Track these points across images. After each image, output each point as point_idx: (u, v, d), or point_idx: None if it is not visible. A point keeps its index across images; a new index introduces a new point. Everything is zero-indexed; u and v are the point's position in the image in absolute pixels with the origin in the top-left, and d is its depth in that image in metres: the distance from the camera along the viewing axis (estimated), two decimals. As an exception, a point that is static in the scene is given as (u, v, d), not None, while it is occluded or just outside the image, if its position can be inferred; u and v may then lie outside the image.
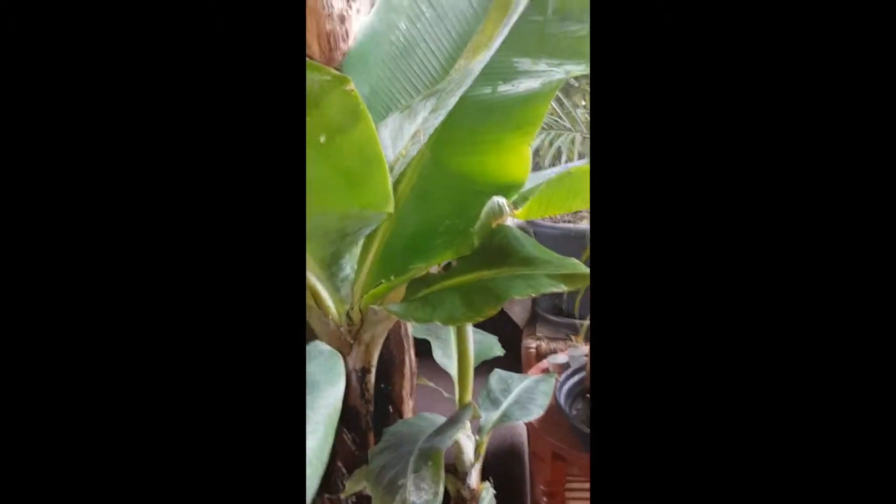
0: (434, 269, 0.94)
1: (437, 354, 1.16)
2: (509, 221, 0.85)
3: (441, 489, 0.79)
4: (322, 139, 0.66)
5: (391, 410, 1.05)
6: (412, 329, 1.12)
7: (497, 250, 0.82)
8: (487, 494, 1.04)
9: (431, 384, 1.24)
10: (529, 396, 1.10)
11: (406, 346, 1.08)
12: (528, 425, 1.37)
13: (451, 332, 1.22)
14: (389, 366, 1.05)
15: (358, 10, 0.94)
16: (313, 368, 0.70)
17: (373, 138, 0.66)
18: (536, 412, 1.04)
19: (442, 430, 0.90)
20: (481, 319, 0.75)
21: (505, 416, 1.07)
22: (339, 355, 0.71)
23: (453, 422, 0.92)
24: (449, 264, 0.97)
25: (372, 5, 0.96)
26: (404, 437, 0.94)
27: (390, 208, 0.74)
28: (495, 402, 1.11)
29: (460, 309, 0.79)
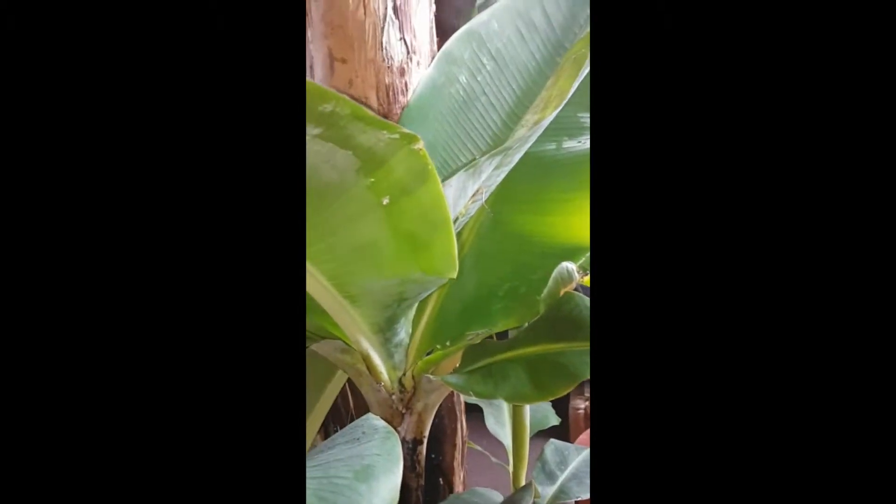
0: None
1: (490, 422, 1.09)
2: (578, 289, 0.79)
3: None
4: (385, 201, 0.61)
5: (441, 483, 0.98)
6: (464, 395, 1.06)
7: (567, 320, 0.75)
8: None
9: (479, 448, 1.17)
10: (588, 471, 1.03)
11: (458, 414, 1.01)
12: None
13: (504, 398, 1.16)
14: (440, 434, 0.99)
15: (418, 63, 0.91)
16: (367, 450, 0.64)
17: (440, 200, 0.61)
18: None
19: (501, 514, 0.82)
20: (550, 399, 0.68)
21: (562, 493, 0.99)
22: (396, 434, 0.65)
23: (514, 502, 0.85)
24: (506, 332, 0.91)
25: (432, 58, 0.92)
26: (458, 518, 0.86)
27: (454, 273, 0.69)
28: (551, 476, 1.03)
29: (527, 386, 0.73)
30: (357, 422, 0.72)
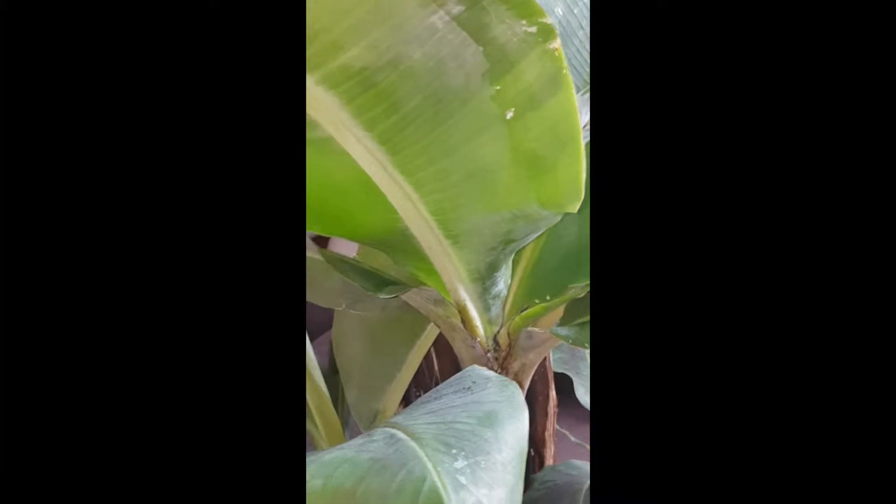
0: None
1: (580, 392, 1.02)
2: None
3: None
4: (510, 115, 0.54)
5: (532, 454, 0.91)
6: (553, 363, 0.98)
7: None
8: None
9: (557, 426, 1.09)
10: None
11: (549, 379, 0.94)
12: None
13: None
14: (532, 402, 0.92)
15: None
16: (484, 397, 0.57)
17: (572, 112, 0.54)
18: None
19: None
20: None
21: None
22: (514, 383, 0.58)
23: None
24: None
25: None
26: (560, 489, 0.79)
27: (577, 204, 0.62)
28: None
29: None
30: (462, 373, 0.66)
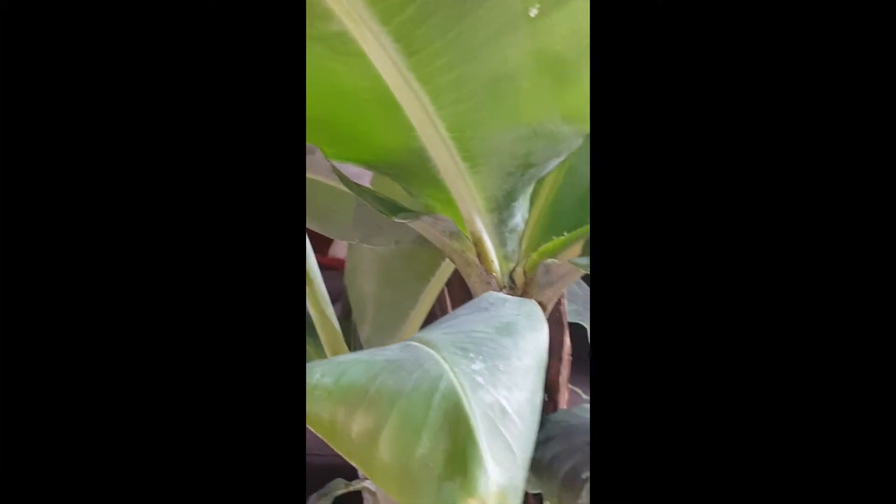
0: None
1: (594, 342, 1.00)
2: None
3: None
4: (534, 12, 0.52)
5: (546, 399, 0.89)
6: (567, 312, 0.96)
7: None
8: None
9: (579, 392, 1.08)
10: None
11: (564, 324, 0.92)
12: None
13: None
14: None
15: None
16: (503, 311, 0.55)
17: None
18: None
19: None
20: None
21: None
22: (534, 301, 0.56)
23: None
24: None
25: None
26: (573, 428, 0.77)
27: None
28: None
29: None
30: (478, 298, 0.64)
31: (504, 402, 0.44)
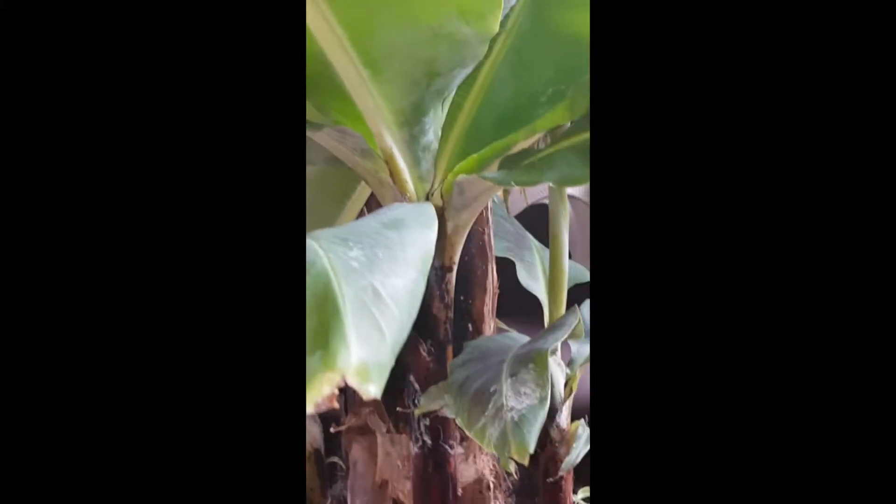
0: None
1: (522, 276, 1.00)
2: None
3: (548, 393, 0.61)
4: None
5: (470, 329, 0.88)
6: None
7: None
8: (584, 433, 0.86)
9: (504, 326, 1.07)
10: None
11: (489, 256, 0.91)
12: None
13: (536, 255, 1.05)
14: (469, 275, 0.88)
15: None
16: (397, 211, 0.54)
17: None
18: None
19: (544, 335, 0.73)
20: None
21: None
22: (430, 203, 0.55)
23: (559, 325, 0.75)
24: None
25: None
26: (491, 351, 0.77)
27: (496, 24, 0.58)
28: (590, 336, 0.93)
29: (579, 169, 0.63)
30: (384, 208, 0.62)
31: (378, 286, 0.43)
